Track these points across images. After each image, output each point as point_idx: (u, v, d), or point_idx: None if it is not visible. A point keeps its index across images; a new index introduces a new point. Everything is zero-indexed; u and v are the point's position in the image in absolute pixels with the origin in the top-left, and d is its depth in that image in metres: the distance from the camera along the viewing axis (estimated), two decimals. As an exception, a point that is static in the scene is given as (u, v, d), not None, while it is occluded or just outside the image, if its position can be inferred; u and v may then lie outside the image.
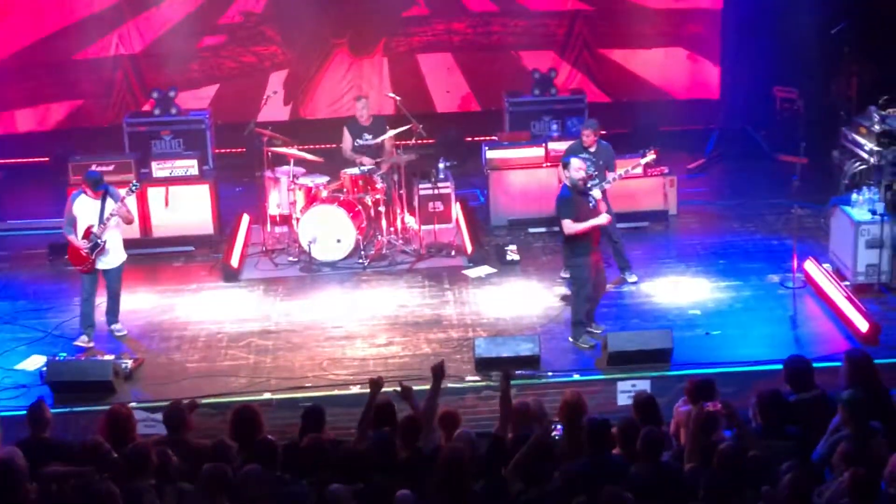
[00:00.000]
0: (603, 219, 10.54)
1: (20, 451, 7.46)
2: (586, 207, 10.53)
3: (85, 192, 10.85)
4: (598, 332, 10.86)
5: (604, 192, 11.65)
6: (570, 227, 10.42)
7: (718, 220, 13.95)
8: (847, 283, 11.49)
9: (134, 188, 11.07)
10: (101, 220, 10.80)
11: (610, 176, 11.83)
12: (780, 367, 8.58)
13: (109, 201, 10.83)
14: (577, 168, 10.52)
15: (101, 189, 10.81)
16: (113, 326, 11.25)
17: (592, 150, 11.93)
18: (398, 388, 8.31)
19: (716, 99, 16.69)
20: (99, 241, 10.81)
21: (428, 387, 8.22)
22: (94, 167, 13.15)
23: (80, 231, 10.85)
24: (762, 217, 13.91)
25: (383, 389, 8.12)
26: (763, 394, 7.88)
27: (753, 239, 13.31)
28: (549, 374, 10.26)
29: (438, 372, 8.16)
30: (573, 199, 10.48)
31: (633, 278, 12.15)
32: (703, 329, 11.08)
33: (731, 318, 11.29)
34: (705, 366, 10.19)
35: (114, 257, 10.99)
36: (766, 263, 12.50)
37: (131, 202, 11.22)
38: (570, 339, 10.79)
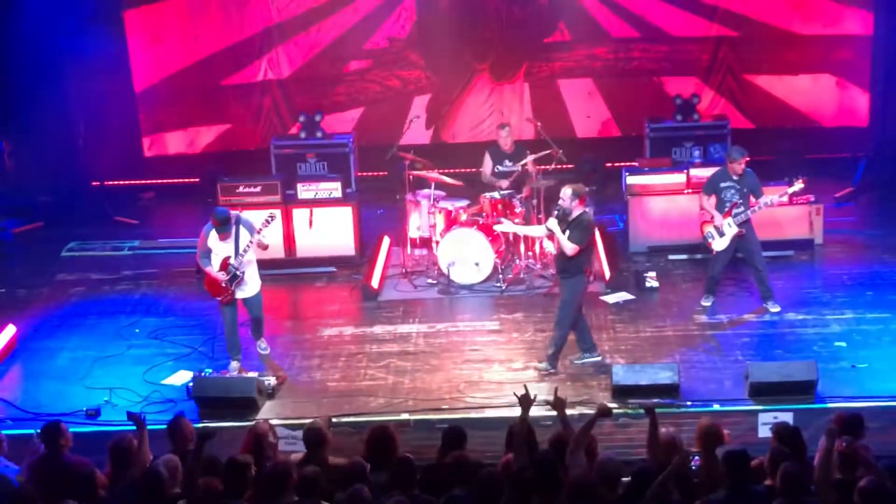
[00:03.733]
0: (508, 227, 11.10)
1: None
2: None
3: (214, 229, 10.86)
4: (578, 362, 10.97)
5: (748, 219, 11.54)
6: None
7: (866, 250, 13.59)
8: None
9: (270, 220, 11.07)
10: (238, 252, 10.85)
11: (758, 203, 11.67)
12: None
13: (243, 231, 10.86)
14: (561, 197, 10.71)
15: (228, 230, 10.74)
16: (258, 344, 11.48)
17: (737, 176, 11.75)
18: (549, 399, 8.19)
19: (864, 126, 16.27)
20: (237, 272, 10.87)
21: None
22: (241, 188, 13.56)
23: (217, 263, 10.91)
24: (912, 248, 13.53)
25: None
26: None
27: (903, 270, 12.96)
28: (689, 403, 10.13)
29: (561, 404, 8.03)
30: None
31: (775, 308, 11.94)
32: (849, 362, 10.80)
33: (879, 350, 10.98)
34: (851, 399, 9.94)
35: (252, 286, 11.09)
36: (915, 295, 12.16)
37: (275, 226, 11.31)
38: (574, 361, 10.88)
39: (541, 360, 10.96)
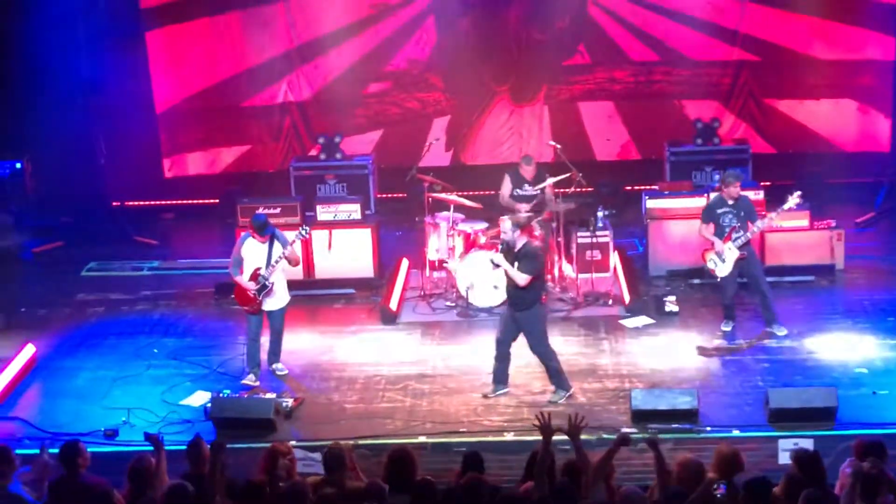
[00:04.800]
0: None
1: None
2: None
3: (252, 236, 11.13)
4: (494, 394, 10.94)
5: (748, 242, 11.69)
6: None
7: (887, 276, 13.51)
8: None
9: (304, 233, 11.33)
10: (269, 263, 11.05)
11: (755, 225, 11.73)
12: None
13: (276, 244, 11.09)
14: (502, 230, 10.78)
15: (267, 233, 11.07)
16: (275, 366, 11.49)
17: (732, 202, 11.83)
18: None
19: (886, 151, 16.21)
20: (267, 283, 11.07)
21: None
22: (260, 209, 13.54)
23: (248, 273, 11.13)
24: (933, 274, 13.45)
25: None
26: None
27: (924, 296, 12.87)
28: (708, 428, 10.07)
29: (576, 431, 7.93)
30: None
31: (782, 331, 11.91)
32: (870, 388, 10.73)
33: (900, 377, 10.92)
34: (872, 426, 9.86)
35: (279, 299, 11.25)
36: (937, 322, 12.07)
37: (297, 245, 11.44)
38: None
39: (553, 392, 10.90)
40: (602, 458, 7.66)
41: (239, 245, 11.23)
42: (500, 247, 10.82)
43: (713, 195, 12.31)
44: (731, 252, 11.76)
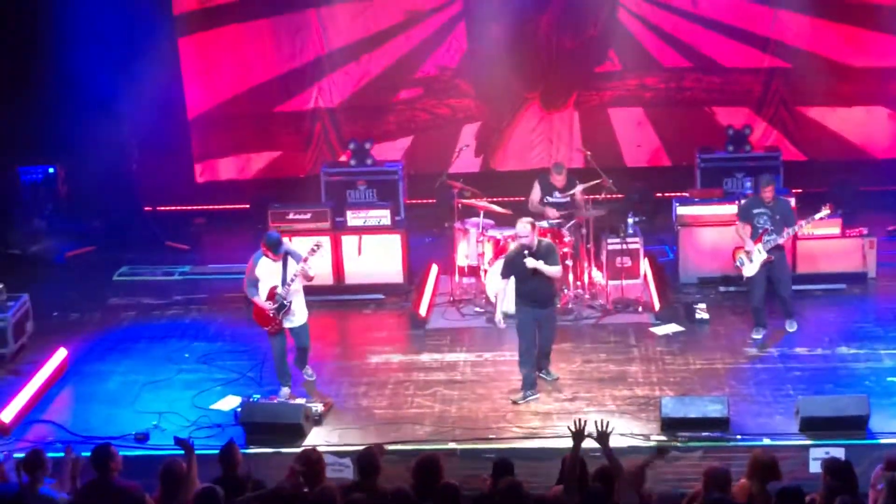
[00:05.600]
0: (497, 316, 11.11)
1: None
2: (525, 269, 10.78)
3: (266, 255, 10.93)
4: (550, 379, 11.19)
5: (779, 247, 11.77)
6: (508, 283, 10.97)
7: (919, 285, 13.43)
8: None
9: (316, 248, 11.05)
10: (285, 281, 10.89)
11: (786, 232, 11.80)
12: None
13: (291, 261, 10.92)
14: (518, 234, 10.91)
15: (281, 251, 10.86)
16: (304, 371, 11.50)
17: (771, 204, 11.88)
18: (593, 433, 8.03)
19: (919, 159, 16.12)
20: (285, 301, 10.91)
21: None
22: (291, 215, 13.64)
23: (264, 292, 10.93)
24: (966, 282, 13.34)
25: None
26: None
27: (956, 305, 12.77)
28: (739, 437, 10.03)
29: (605, 437, 7.88)
30: (510, 258, 10.97)
31: (792, 327, 12.10)
32: (902, 397, 10.66)
33: (933, 387, 10.84)
34: (904, 435, 9.81)
35: (300, 316, 11.11)
36: (970, 331, 11.98)
37: (324, 253, 11.34)
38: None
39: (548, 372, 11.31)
40: (638, 466, 7.64)
41: (253, 265, 10.99)
42: (526, 252, 10.82)
43: (751, 196, 12.39)
44: (759, 254, 11.81)
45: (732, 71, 16.32)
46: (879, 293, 13.21)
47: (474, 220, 13.33)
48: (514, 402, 10.90)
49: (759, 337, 12.06)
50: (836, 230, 13.27)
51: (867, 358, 11.53)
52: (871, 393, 10.48)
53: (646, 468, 7.65)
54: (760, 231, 11.85)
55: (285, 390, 11.14)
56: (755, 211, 11.92)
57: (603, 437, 7.62)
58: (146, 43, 15.70)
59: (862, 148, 16.33)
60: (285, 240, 11.22)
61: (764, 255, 11.79)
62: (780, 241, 11.79)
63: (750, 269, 11.90)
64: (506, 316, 12.57)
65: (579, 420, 7.69)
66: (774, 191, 11.92)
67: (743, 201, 12.46)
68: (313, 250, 10.98)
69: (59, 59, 15.26)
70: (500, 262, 12.64)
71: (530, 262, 10.80)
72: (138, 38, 15.61)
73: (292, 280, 10.89)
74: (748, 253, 11.89)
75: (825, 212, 11.95)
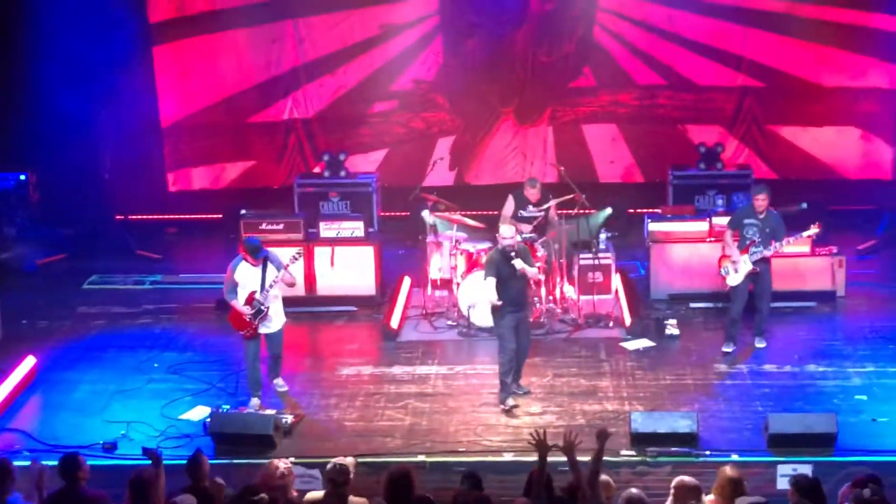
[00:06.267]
0: (493, 301, 10.88)
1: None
2: (510, 272, 10.84)
3: (245, 260, 11.02)
4: (521, 393, 11.20)
5: (765, 259, 11.86)
6: (487, 284, 10.89)
7: (888, 304, 13.50)
8: None
9: (297, 257, 11.19)
10: (263, 287, 10.94)
11: (773, 245, 11.84)
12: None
13: (270, 267, 10.97)
14: (503, 237, 10.95)
15: (261, 256, 10.94)
16: (275, 382, 11.48)
17: (762, 216, 11.94)
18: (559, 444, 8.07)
19: (889, 179, 16.24)
20: (262, 307, 10.95)
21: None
22: (263, 225, 13.60)
23: (242, 297, 10.98)
24: (935, 302, 13.46)
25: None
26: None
27: (925, 325, 12.88)
28: (708, 452, 10.06)
29: (604, 437, 7.93)
30: (495, 260, 10.95)
31: (761, 344, 12.16)
32: (870, 415, 10.73)
33: (900, 405, 10.91)
34: (871, 453, 9.87)
35: (276, 322, 11.15)
36: (938, 351, 12.08)
37: (298, 264, 11.38)
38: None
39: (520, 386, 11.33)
40: (592, 461, 7.59)
41: (232, 270, 11.04)
42: (512, 255, 10.86)
43: (745, 205, 12.51)
44: (745, 265, 11.92)
45: (705, 89, 16.42)
46: (848, 312, 13.31)
47: (448, 233, 13.35)
48: (509, 410, 10.92)
49: (730, 351, 12.14)
50: (807, 249, 13.37)
51: (836, 376, 11.61)
52: (839, 411, 10.55)
53: (600, 460, 7.59)
54: (748, 242, 11.95)
55: (255, 401, 11.12)
56: (746, 221, 12.02)
57: (569, 447, 7.62)
58: (121, 51, 15.61)
59: (832, 167, 16.46)
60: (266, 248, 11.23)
61: (749, 266, 11.90)
62: (767, 253, 11.87)
63: (734, 279, 12.00)
64: (480, 329, 12.65)
65: (539, 431, 7.70)
66: (768, 201, 11.96)
67: (737, 210, 12.61)
68: (295, 258, 11.12)
69: (31, 66, 15.19)
70: (473, 276, 12.70)
71: (518, 263, 10.85)
72: (113, 46, 15.52)
73: (271, 286, 10.94)
74: (734, 263, 11.99)
75: (813, 230, 12.05)
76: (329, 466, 8.11)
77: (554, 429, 10.52)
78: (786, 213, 12.44)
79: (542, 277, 11.38)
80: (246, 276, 11.00)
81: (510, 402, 10.99)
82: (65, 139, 15.38)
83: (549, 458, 7.65)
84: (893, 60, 15.92)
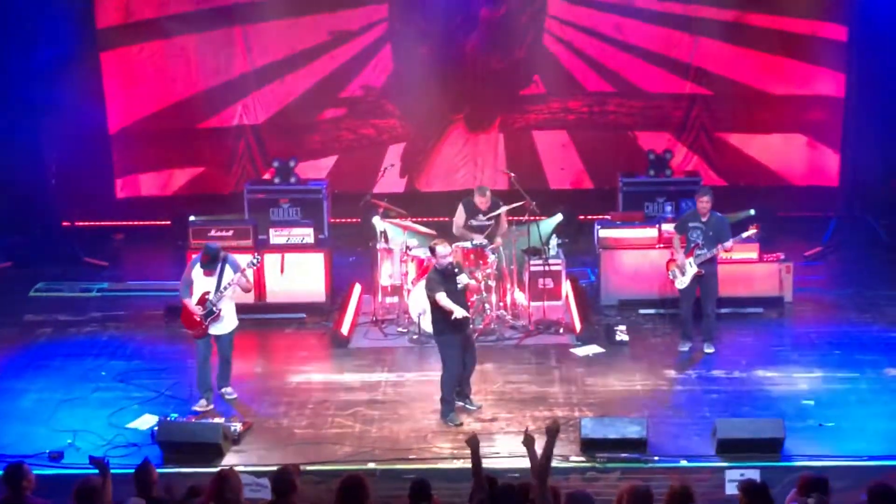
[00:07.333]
0: (459, 313, 10.64)
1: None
2: (454, 289, 10.76)
3: (201, 263, 11.03)
4: (473, 409, 11.06)
5: (711, 262, 12.08)
6: (441, 299, 10.64)
7: (835, 310, 13.67)
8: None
9: (255, 263, 11.22)
10: (219, 288, 10.99)
11: (716, 248, 12.06)
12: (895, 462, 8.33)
13: (227, 269, 11.02)
14: (442, 255, 10.87)
15: (213, 268, 10.92)
16: (223, 390, 11.41)
17: (705, 219, 12.14)
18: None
19: (835, 186, 16.43)
20: (214, 308, 10.99)
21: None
22: (213, 231, 13.52)
23: (196, 296, 11.04)
24: (880, 308, 13.60)
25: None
26: (874, 488, 7.63)
27: (871, 330, 12.99)
28: (656, 458, 10.11)
29: (553, 432, 7.88)
30: (437, 278, 10.80)
31: (710, 349, 12.31)
32: (817, 420, 10.82)
33: (846, 410, 11.00)
34: (818, 458, 9.95)
35: (227, 324, 11.17)
36: (883, 356, 12.19)
37: (248, 272, 11.36)
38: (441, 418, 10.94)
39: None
40: (542, 455, 7.57)
41: (190, 268, 11.15)
42: (456, 270, 10.90)
43: (691, 210, 12.61)
44: (690, 268, 12.17)
45: (654, 96, 16.55)
46: (796, 318, 13.44)
47: (398, 240, 13.32)
48: (459, 425, 10.82)
49: (686, 349, 12.31)
50: (754, 255, 13.50)
51: (783, 381, 11.70)
52: (786, 416, 10.63)
53: (550, 453, 7.59)
54: (693, 245, 12.13)
55: (203, 402, 11.10)
56: (691, 224, 12.24)
57: (528, 440, 7.62)
58: (67, 56, 15.47)
59: (780, 174, 16.62)
60: (224, 253, 11.20)
61: (695, 269, 12.13)
62: (709, 256, 12.08)
63: (682, 282, 12.27)
64: (430, 336, 12.61)
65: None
66: (711, 203, 12.12)
67: (684, 213, 12.77)
68: (252, 263, 11.16)
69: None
70: (423, 283, 12.66)
71: (463, 279, 10.88)
72: (59, 51, 15.37)
73: (226, 288, 10.95)
74: (680, 266, 12.21)
75: (752, 231, 12.27)
76: (272, 475, 8.06)
77: (503, 434, 10.55)
78: (734, 219, 12.59)
79: (476, 284, 11.42)
80: (202, 276, 11.03)
81: (456, 419, 10.91)
82: (10, 145, 15.19)
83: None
84: (840, 69, 16.11)
